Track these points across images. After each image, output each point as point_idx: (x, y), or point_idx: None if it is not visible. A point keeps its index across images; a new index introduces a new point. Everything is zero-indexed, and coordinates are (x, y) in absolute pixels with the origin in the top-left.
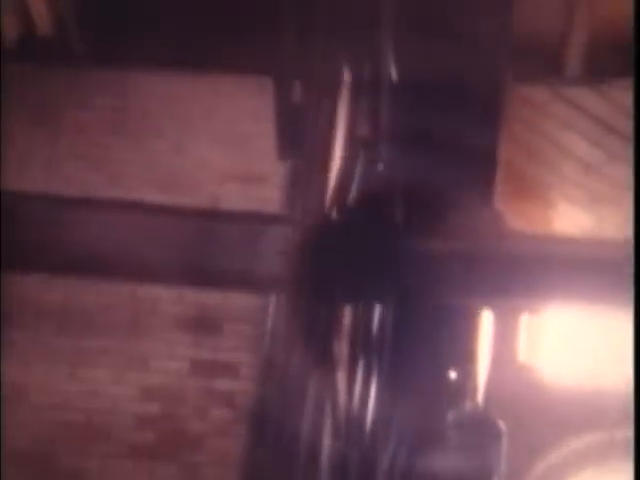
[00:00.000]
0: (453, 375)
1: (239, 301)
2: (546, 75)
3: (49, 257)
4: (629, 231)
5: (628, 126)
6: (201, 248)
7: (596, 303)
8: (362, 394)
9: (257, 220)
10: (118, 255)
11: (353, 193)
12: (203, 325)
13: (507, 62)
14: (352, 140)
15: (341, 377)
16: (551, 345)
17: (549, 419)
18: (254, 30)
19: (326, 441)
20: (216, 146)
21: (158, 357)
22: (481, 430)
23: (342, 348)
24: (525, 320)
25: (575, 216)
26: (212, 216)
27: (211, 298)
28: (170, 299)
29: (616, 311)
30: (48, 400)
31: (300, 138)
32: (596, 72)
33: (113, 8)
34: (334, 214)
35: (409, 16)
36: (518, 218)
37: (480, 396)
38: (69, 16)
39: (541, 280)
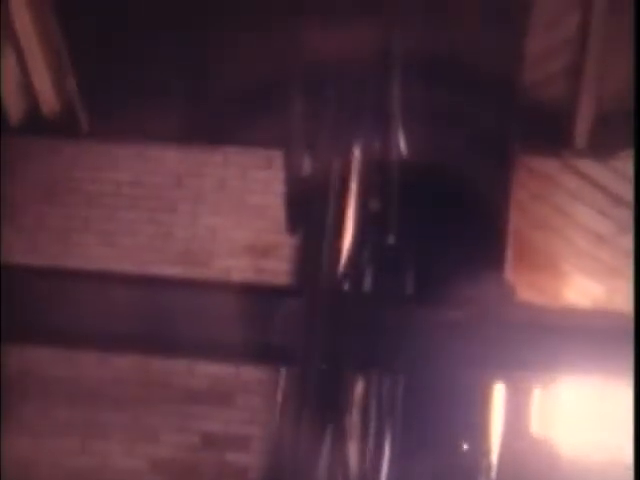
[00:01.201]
0: (466, 447)
1: (250, 373)
2: (554, 147)
3: (61, 330)
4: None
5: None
6: (213, 320)
7: (609, 374)
8: (374, 465)
9: (269, 292)
10: (130, 328)
11: (364, 265)
12: (214, 397)
13: (515, 135)
14: (363, 213)
15: (352, 448)
16: (564, 417)
17: None
18: (264, 103)
19: None
20: (227, 218)
21: (169, 430)
22: None
23: (354, 418)
24: (538, 391)
25: (586, 287)
26: (224, 288)
27: (222, 370)
28: (181, 371)
29: (630, 383)
30: (59, 474)
31: (310, 211)
32: (604, 144)
33: (123, 84)
34: (345, 285)
35: (418, 91)
36: (529, 289)
37: (493, 468)
38: (76, 94)
39: (553, 351)
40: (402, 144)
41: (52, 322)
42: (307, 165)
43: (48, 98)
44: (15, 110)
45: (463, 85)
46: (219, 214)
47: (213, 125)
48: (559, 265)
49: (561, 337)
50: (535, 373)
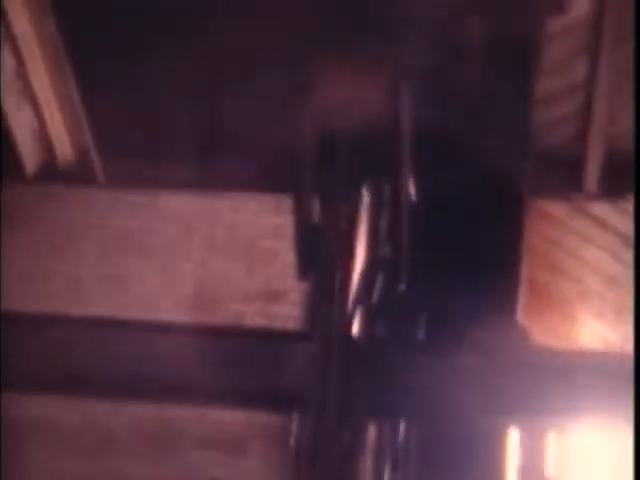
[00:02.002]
0: None
1: (263, 419)
2: (565, 190)
3: (72, 378)
4: None
5: None
6: (225, 366)
7: (624, 417)
8: None
9: (280, 337)
10: (141, 375)
11: (375, 311)
12: (226, 444)
13: (526, 178)
14: (373, 259)
15: None
16: (579, 461)
17: None
18: (274, 150)
19: None
20: (238, 264)
21: (182, 477)
22: None
23: (367, 464)
24: (553, 435)
25: (599, 330)
26: (235, 334)
27: (234, 416)
28: (193, 418)
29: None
30: None
31: (320, 257)
32: (613, 186)
33: (136, 133)
34: (356, 331)
35: (427, 139)
36: (542, 332)
37: None
38: (90, 143)
39: (567, 395)
40: (412, 190)
41: (63, 370)
42: (317, 211)
43: (63, 148)
44: (31, 160)
45: (475, 129)
46: (230, 260)
47: (224, 172)
48: (571, 308)
49: (575, 380)
50: (549, 417)
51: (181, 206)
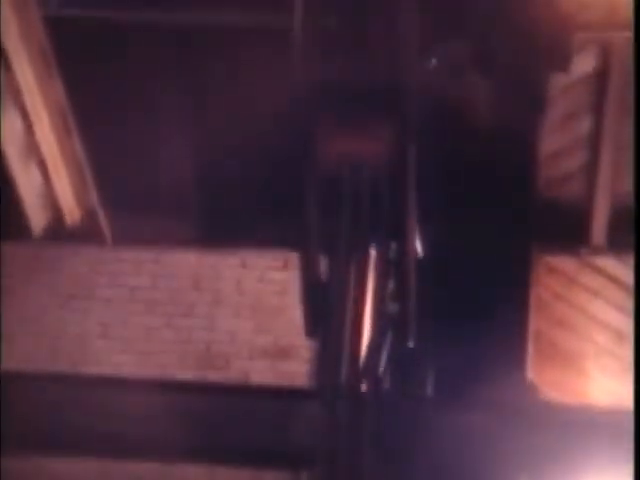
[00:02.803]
0: None
1: (271, 477)
2: (572, 245)
3: (79, 438)
4: None
5: None
6: (232, 425)
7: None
8: None
9: (288, 395)
10: (148, 433)
11: (383, 368)
12: None
13: (533, 233)
14: (380, 316)
15: None
16: None
17: None
18: (280, 205)
19: None
20: (245, 320)
21: None
22: None
23: None
24: None
25: (609, 385)
26: (242, 391)
27: (242, 474)
28: (201, 476)
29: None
30: None
31: (328, 313)
32: (621, 240)
33: (141, 191)
34: (364, 389)
35: (433, 194)
36: (550, 388)
37: None
38: (97, 203)
39: (577, 451)
40: (419, 245)
41: (70, 429)
42: (324, 266)
43: (70, 208)
44: (37, 219)
45: (480, 185)
46: (237, 316)
47: (229, 228)
48: (580, 363)
49: (584, 436)
50: (559, 474)
51: (187, 262)
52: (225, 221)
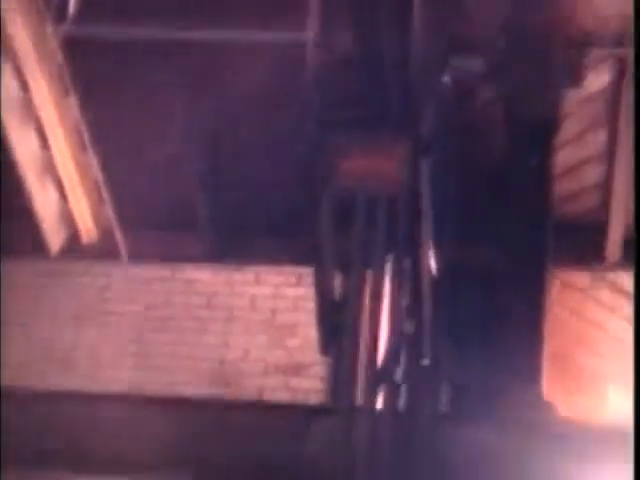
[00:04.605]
0: None
1: None
2: (587, 260)
3: (92, 454)
4: None
5: None
6: (246, 442)
7: None
8: None
9: (301, 411)
10: (159, 450)
11: (398, 385)
12: None
13: (549, 249)
14: (395, 333)
15: None
16: None
17: None
18: (295, 221)
19: None
20: (258, 337)
21: None
22: None
23: None
24: None
25: (623, 403)
26: (256, 408)
27: None
28: None
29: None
30: None
31: (342, 331)
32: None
33: (156, 209)
34: (380, 406)
35: (448, 212)
36: (566, 406)
37: None
38: (113, 221)
39: (591, 469)
40: (433, 263)
41: (85, 447)
42: (338, 283)
43: (87, 226)
44: (54, 237)
45: (496, 201)
46: (250, 333)
47: (243, 244)
48: (596, 380)
49: (599, 454)
50: None
51: (202, 279)
52: (239, 237)
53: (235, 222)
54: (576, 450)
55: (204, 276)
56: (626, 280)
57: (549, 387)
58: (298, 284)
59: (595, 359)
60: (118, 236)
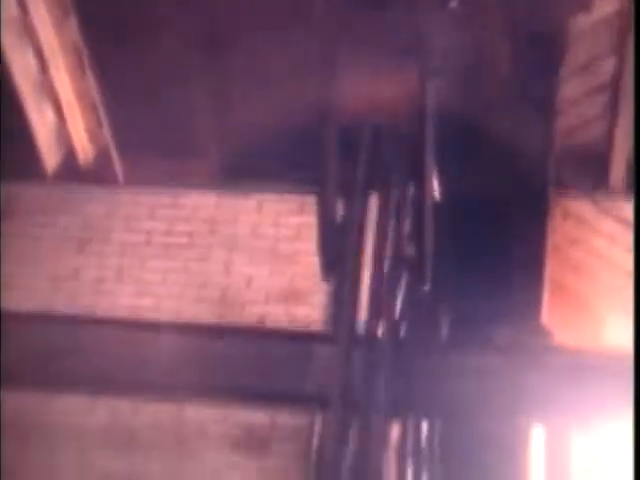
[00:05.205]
0: None
1: (285, 420)
2: (589, 190)
3: (96, 378)
4: None
5: None
6: (247, 368)
7: None
8: None
9: (302, 339)
10: (164, 375)
11: (399, 310)
12: (250, 445)
13: (551, 178)
14: (396, 259)
15: None
16: (604, 461)
17: None
18: (297, 149)
19: None
20: (261, 265)
21: (205, 478)
22: None
23: (390, 464)
24: (577, 436)
25: (623, 329)
26: (257, 336)
27: (257, 417)
28: (216, 419)
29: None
30: None
31: (343, 257)
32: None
33: (156, 133)
34: (380, 331)
35: (451, 136)
36: (566, 332)
37: None
38: (110, 144)
39: (592, 394)
40: (436, 189)
41: (87, 370)
42: (340, 211)
43: (83, 148)
44: (51, 160)
45: (497, 130)
46: (252, 261)
47: (246, 172)
48: (596, 308)
49: (599, 380)
50: (574, 417)
51: (203, 207)
52: (242, 164)
53: (238, 149)
54: (575, 377)
55: (206, 203)
56: (628, 210)
57: (548, 313)
58: (300, 212)
59: (595, 288)
60: (115, 160)
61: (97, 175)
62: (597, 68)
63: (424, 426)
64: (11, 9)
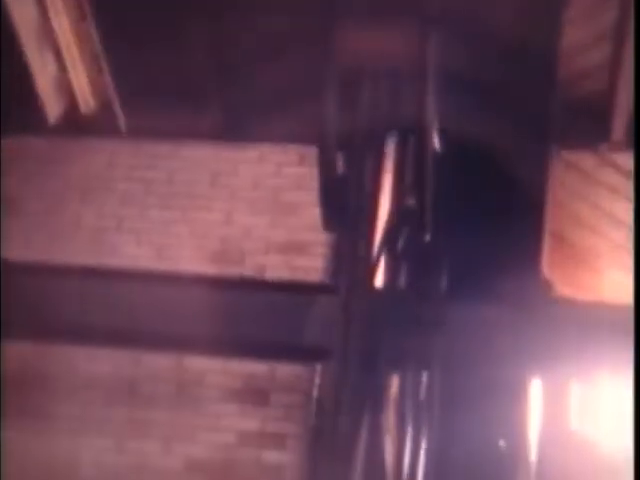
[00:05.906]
0: (503, 443)
1: (285, 370)
2: (591, 141)
3: (95, 328)
4: None
5: None
6: (247, 318)
7: None
8: (411, 461)
9: (303, 290)
10: (164, 326)
11: (399, 262)
12: (249, 396)
13: (552, 129)
14: (397, 210)
15: (389, 444)
16: (604, 412)
17: None
18: (298, 101)
19: None
20: (261, 216)
21: (204, 429)
22: None
23: (390, 415)
24: (576, 386)
25: (623, 282)
26: (258, 286)
27: (257, 368)
28: (216, 370)
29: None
30: (95, 473)
31: (345, 208)
32: None
33: (158, 84)
34: (380, 283)
35: (453, 88)
36: (566, 285)
37: (532, 464)
38: (112, 93)
39: (591, 346)
40: (437, 139)
41: (87, 320)
42: (341, 161)
43: (85, 97)
44: (53, 109)
45: (499, 81)
46: (253, 212)
47: (247, 123)
48: (596, 260)
49: (599, 332)
50: (573, 368)
51: (204, 157)
52: (242, 115)
53: (238, 100)
54: (576, 328)
55: (206, 153)
56: (629, 161)
57: (548, 266)
58: (301, 163)
59: (596, 239)
60: (117, 109)
61: (99, 125)
62: (599, 17)
63: (424, 377)
64: None
